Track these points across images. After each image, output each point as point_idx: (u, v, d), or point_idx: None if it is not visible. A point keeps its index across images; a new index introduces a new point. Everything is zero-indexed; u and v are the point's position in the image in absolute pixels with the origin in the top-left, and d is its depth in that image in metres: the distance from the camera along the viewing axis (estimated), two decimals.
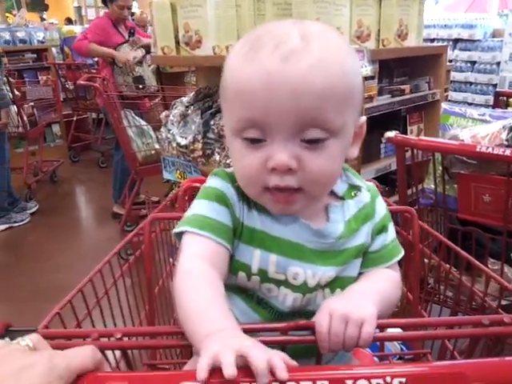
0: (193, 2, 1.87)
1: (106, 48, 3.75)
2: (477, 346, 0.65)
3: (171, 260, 1.28)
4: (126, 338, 0.61)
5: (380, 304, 0.67)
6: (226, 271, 0.71)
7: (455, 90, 5.92)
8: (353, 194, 0.77)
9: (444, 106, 1.72)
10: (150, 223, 0.97)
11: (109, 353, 0.64)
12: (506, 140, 1.45)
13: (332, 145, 0.65)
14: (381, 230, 0.79)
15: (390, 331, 0.75)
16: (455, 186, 1.58)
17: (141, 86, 3.76)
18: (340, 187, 0.77)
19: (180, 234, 0.71)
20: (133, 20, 4.31)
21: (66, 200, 4.91)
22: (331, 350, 0.60)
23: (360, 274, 0.78)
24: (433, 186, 1.60)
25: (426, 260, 1.39)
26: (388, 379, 0.44)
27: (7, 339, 0.54)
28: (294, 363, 0.52)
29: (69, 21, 10.04)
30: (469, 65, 5.89)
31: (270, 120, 0.63)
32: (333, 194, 0.76)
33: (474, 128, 1.56)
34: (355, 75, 0.68)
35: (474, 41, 5.80)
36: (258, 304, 0.74)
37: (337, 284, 0.74)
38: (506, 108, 2.27)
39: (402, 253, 0.81)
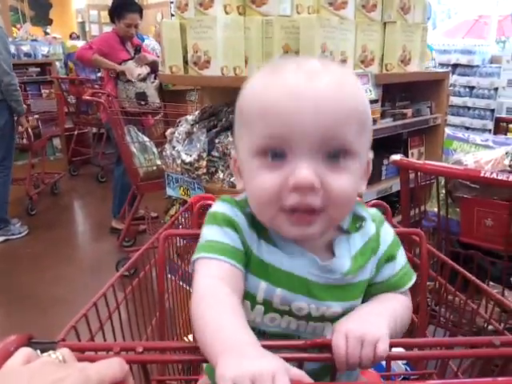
0: (202, 24, 1.91)
1: (108, 61, 3.76)
2: (489, 366, 0.66)
3: (173, 277, 1.29)
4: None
5: (392, 325, 0.67)
6: (243, 291, 0.70)
7: (453, 114, 6.00)
8: (357, 225, 0.75)
9: (447, 131, 1.76)
10: (164, 239, 0.99)
11: None
12: (509, 166, 1.49)
13: (352, 165, 0.66)
14: (387, 259, 0.77)
15: (396, 351, 0.76)
16: (457, 209, 1.61)
17: (143, 102, 3.78)
18: (345, 219, 0.74)
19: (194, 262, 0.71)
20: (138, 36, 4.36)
21: (64, 213, 4.92)
22: (348, 369, 0.61)
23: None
24: (435, 209, 1.62)
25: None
26: None
27: (38, 352, 0.54)
28: (310, 380, 0.53)
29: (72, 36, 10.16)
30: (467, 90, 5.99)
31: (294, 135, 0.63)
32: (338, 227, 0.74)
33: (477, 153, 1.60)
34: (369, 108, 0.71)
35: (472, 66, 5.91)
36: (260, 334, 0.73)
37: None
38: (506, 134, 2.32)
39: (414, 279, 0.79)
